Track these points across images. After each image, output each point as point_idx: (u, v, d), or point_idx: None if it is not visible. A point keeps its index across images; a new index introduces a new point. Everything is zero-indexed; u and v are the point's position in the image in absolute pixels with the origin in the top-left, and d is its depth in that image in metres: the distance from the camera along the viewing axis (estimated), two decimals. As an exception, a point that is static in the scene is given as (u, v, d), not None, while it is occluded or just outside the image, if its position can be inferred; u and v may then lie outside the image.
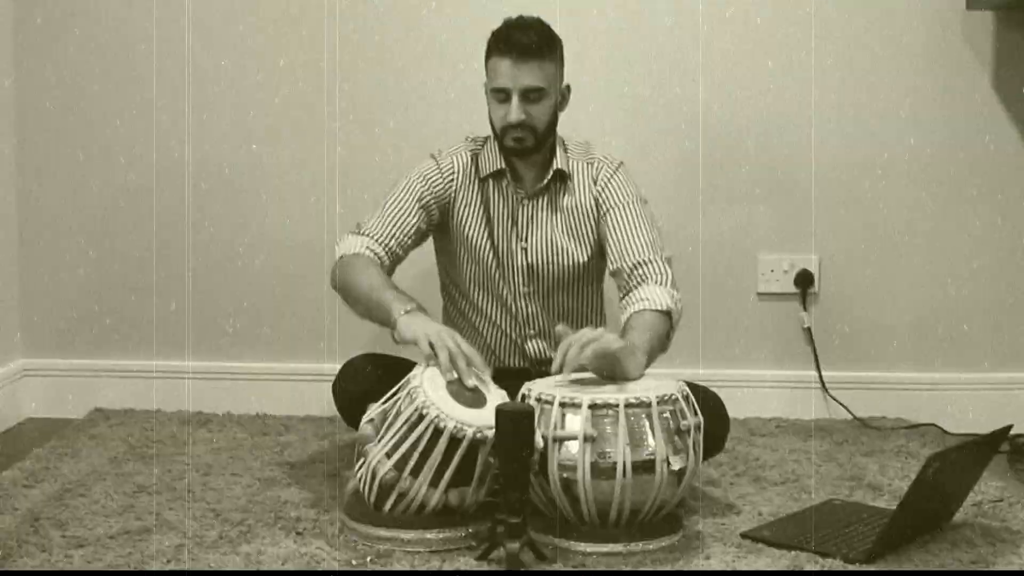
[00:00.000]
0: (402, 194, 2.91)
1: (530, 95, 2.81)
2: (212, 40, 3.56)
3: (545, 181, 2.91)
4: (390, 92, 3.56)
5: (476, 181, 2.93)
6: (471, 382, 2.55)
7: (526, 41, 2.79)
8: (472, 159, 2.95)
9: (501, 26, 2.85)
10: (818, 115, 3.54)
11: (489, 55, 2.84)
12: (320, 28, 3.54)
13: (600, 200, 2.91)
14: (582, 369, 2.56)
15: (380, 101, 3.56)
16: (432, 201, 2.92)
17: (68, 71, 3.59)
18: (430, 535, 2.48)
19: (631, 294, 2.78)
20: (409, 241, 2.90)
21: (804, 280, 3.59)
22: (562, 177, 2.92)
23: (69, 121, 3.60)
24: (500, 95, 2.82)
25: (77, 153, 3.61)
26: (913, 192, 3.55)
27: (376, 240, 2.86)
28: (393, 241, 2.87)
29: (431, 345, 2.57)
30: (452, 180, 2.93)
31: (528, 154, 2.87)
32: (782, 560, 2.45)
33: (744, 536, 2.57)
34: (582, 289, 2.99)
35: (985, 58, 3.50)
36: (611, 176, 2.92)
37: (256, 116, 3.58)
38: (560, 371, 2.51)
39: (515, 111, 2.81)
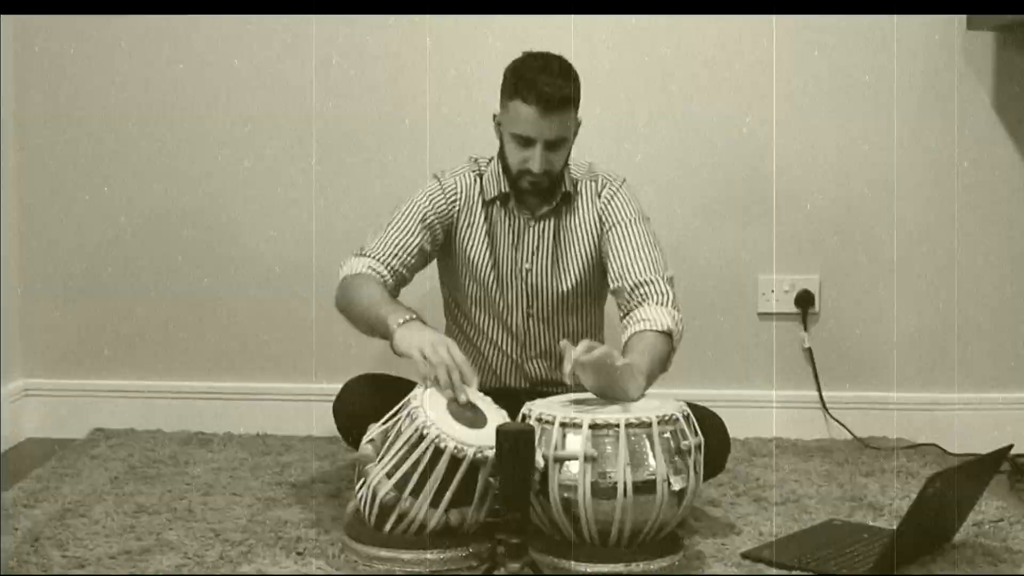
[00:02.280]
0: (405, 214, 2.89)
1: (553, 145, 2.78)
2: (210, 61, 3.57)
3: (554, 204, 2.91)
4: (390, 113, 3.56)
5: (480, 202, 2.93)
6: (463, 398, 2.54)
7: (553, 93, 2.72)
8: (476, 180, 2.94)
9: (524, 66, 2.77)
10: (819, 135, 3.55)
11: (511, 96, 2.76)
12: (316, 50, 3.55)
13: (603, 217, 2.91)
14: (582, 389, 2.56)
15: (379, 122, 3.56)
16: (436, 221, 2.91)
17: (71, 95, 3.59)
18: (430, 555, 2.47)
19: (632, 314, 2.78)
20: (413, 261, 2.88)
21: (805, 300, 3.59)
22: (567, 198, 2.92)
23: (71, 144, 3.60)
24: (521, 140, 2.78)
25: (79, 176, 3.61)
26: (913, 212, 3.56)
27: (379, 260, 2.85)
28: (396, 261, 2.86)
29: (426, 359, 2.56)
30: (455, 201, 2.93)
31: (541, 194, 2.87)
32: (783, 580, 2.46)
33: (745, 556, 2.57)
34: (584, 309, 2.99)
35: (985, 78, 3.50)
36: (614, 193, 2.92)
37: (252, 138, 3.58)
38: (571, 376, 2.49)
39: (539, 162, 2.78)
